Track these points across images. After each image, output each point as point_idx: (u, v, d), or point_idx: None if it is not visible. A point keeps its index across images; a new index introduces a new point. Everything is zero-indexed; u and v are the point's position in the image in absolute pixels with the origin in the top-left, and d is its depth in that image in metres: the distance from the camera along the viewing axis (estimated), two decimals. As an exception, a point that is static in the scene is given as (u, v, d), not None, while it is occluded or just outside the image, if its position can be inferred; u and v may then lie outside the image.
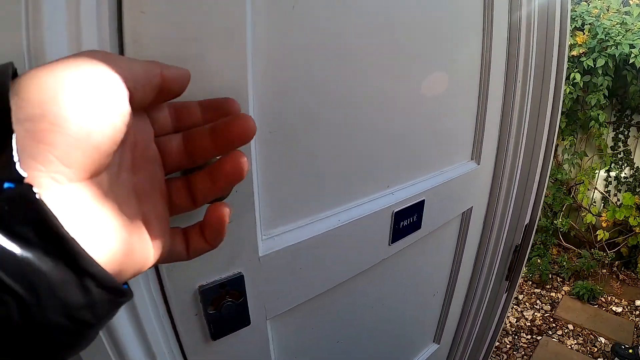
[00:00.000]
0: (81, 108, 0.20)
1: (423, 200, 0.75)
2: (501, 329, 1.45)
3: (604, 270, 3.32)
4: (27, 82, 0.20)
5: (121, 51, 0.37)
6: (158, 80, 0.28)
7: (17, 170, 0.18)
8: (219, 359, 0.55)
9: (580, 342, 2.66)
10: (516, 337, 2.74)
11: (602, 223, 3.27)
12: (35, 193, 0.18)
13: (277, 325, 0.61)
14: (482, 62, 0.85)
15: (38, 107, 0.19)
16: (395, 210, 0.69)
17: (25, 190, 0.18)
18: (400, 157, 0.70)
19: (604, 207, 3.39)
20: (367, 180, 0.66)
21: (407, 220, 0.73)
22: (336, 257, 0.63)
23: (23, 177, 0.18)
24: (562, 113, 2.79)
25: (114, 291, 0.22)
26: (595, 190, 3.41)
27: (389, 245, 0.72)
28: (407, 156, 0.72)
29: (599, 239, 3.31)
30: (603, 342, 2.65)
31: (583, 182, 3.32)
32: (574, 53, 3.03)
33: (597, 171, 3.32)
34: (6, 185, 0.17)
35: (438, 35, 0.70)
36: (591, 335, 2.71)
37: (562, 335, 2.74)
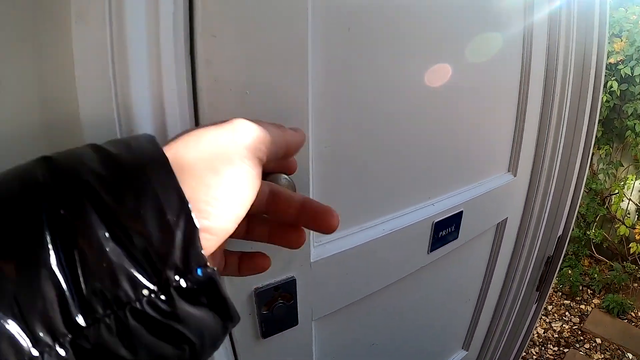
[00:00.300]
0: (233, 202, 0.25)
1: (461, 211, 0.77)
2: (529, 339, 1.44)
3: (635, 284, 3.22)
4: (186, 173, 0.23)
5: (193, 72, 0.40)
6: (284, 150, 0.31)
7: (204, 258, 0.22)
8: (266, 356, 0.59)
9: (607, 356, 2.59)
10: (543, 348, 2.69)
11: (636, 235, 3.16)
12: (216, 274, 0.23)
13: (320, 326, 0.64)
14: (521, 74, 0.86)
15: (203, 204, 0.23)
16: (435, 221, 0.72)
17: (211, 274, 0.22)
18: (441, 170, 0.73)
19: (638, 219, 3.29)
20: (410, 192, 0.69)
21: (445, 230, 0.75)
22: (379, 263, 0.66)
23: (206, 261, 0.22)
24: (599, 122, 2.73)
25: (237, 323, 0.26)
26: (630, 202, 3.32)
27: (428, 253, 0.75)
28: (447, 169, 0.74)
29: (631, 252, 3.20)
30: (630, 357, 2.58)
31: (617, 193, 3.23)
32: (612, 60, 2.95)
33: (632, 182, 3.23)
34: (198, 270, 0.22)
35: (479, 50, 0.72)
36: (618, 351, 2.64)
37: (589, 348, 2.68)
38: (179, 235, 0.21)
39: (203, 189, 0.23)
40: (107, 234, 0.20)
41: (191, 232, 0.21)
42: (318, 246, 0.57)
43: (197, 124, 0.41)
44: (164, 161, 0.22)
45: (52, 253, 0.18)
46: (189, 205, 0.22)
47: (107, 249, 0.19)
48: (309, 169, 0.51)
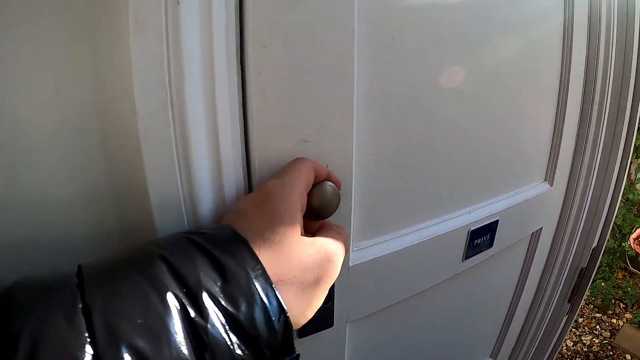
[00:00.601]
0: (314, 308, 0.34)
1: (497, 220, 0.77)
2: (557, 351, 1.41)
3: (671, 300, 3.10)
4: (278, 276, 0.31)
5: (243, 80, 0.41)
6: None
7: (294, 348, 0.30)
8: (301, 355, 0.60)
9: (636, 374, 2.51)
10: (571, 361, 2.63)
11: (673, 249, 3.05)
12: (299, 356, 0.31)
13: (354, 329, 0.65)
14: (560, 81, 0.85)
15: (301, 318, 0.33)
16: (472, 229, 0.72)
17: (296, 358, 0.31)
18: (479, 178, 0.73)
19: (676, 232, 3.16)
20: (447, 200, 0.69)
21: (481, 239, 0.75)
22: (415, 269, 0.67)
23: (295, 349, 0.30)
24: (638, 129, 2.63)
25: None
26: (667, 214, 3.19)
27: (462, 261, 0.75)
28: (485, 178, 0.74)
29: (668, 266, 3.09)
30: (660, 377, 2.49)
31: (655, 204, 3.11)
32: (652, 66, 2.84)
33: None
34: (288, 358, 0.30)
35: (519, 59, 0.72)
36: (648, 369, 2.55)
37: (618, 364, 2.60)
38: (280, 333, 0.28)
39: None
40: (229, 331, 0.26)
41: (287, 329, 0.29)
42: (357, 250, 0.58)
43: (245, 130, 0.42)
44: (264, 271, 0.29)
45: (187, 345, 0.24)
46: (286, 310, 0.29)
47: (229, 344, 0.26)
48: (352, 176, 0.52)
